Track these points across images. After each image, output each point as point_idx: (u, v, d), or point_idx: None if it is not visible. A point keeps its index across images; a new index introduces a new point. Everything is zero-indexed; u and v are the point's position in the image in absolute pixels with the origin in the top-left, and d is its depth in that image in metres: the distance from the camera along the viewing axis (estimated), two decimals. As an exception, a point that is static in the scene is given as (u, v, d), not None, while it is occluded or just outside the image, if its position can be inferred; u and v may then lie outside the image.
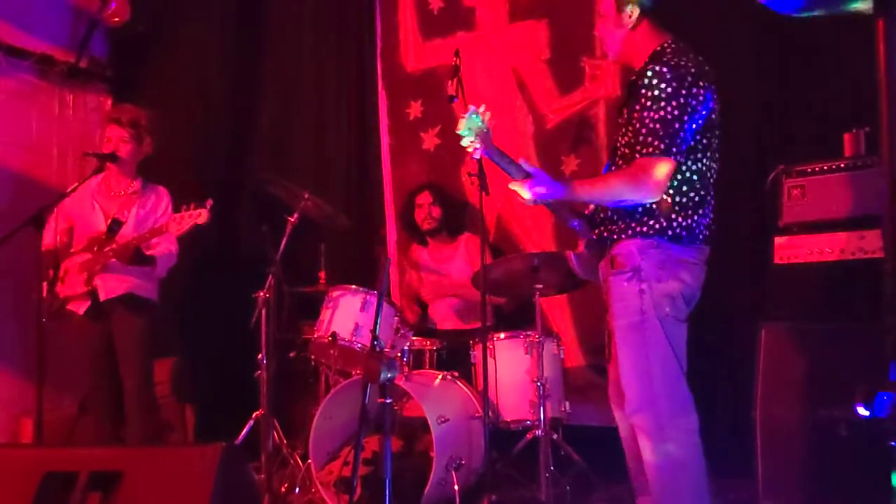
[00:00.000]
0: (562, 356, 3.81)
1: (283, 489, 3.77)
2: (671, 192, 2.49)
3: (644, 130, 2.44)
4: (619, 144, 2.63)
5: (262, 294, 3.80)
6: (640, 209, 2.52)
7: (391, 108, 5.03)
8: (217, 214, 3.61)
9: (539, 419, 3.48)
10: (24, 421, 4.56)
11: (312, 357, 3.99)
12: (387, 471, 2.55)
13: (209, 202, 3.51)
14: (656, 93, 2.43)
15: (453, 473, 3.37)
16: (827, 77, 3.62)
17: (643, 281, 2.49)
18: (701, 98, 2.46)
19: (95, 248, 3.75)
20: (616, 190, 2.50)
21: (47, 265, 3.64)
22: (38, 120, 5.03)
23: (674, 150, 2.43)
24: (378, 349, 2.63)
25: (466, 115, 2.49)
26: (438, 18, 4.89)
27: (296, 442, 4.03)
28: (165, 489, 2.18)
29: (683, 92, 2.43)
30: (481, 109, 2.51)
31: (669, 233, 2.50)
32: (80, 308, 3.78)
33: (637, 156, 2.46)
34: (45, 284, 3.56)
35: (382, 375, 2.47)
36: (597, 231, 2.65)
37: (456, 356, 3.95)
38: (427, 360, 3.93)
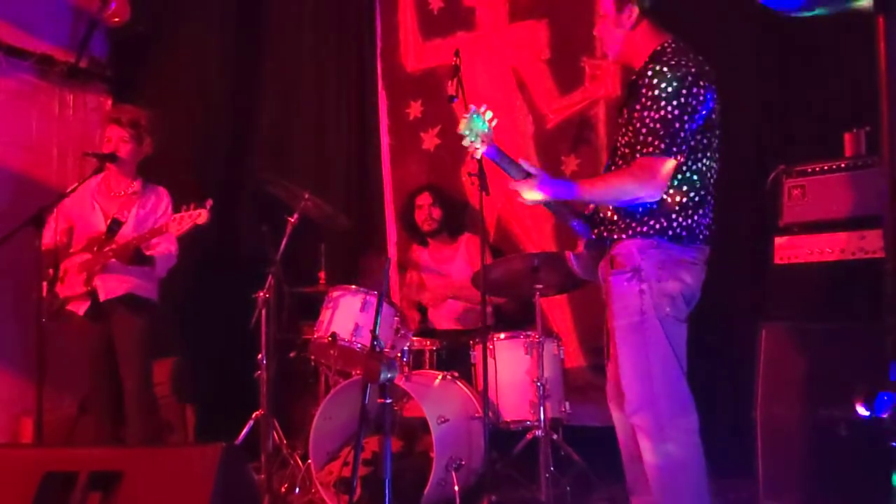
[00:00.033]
0: (562, 356, 3.81)
1: (282, 489, 3.77)
2: (671, 191, 2.49)
3: (644, 130, 2.44)
4: (619, 144, 2.63)
5: (262, 294, 3.79)
6: (640, 209, 2.52)
7: (391, 108, 5.03)
8: (217, 214, 3.61)
9: (539, 419, 3.48)
10: (24, 421, 4.56)
11: (312, 357, 3.99)
12: (387, 471, 2.55)
13: (209, 202, 3.50)
14: (657, 92, 2.43)
15: (453, 474, 3.37)
16: (827, 77, 3.62)
17: (643, 281, 2.49)
18: (701, 98, 2.46)
19: (95, 249, 3.75)
20: (617, 189, 2.50)
21: (47, 265, 3.64)
22: (38, 120, 5.03)
23: (674, 149, 2.43)
24: (378, 349, 2.62)
25: (468, 115, 2.49)
26: (438, 18, 4.89)
27: (296, 442, 4.03)
28: (165, 489, 2.18)
29: (684, 92, 2.43)
30: (482, 109, 2.51)
31: (670, 233, 2.50)
32: (80, 308, 3.78)
33: (637, 155, 2.46)
34: (44, 284, 3.56)
35: (382, 376, 2.47)
36: (596, 231, 2.65)
37: (456, 356, 3.95)
38: (427, 361, 3.93)
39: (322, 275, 4.25)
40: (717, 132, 2.57)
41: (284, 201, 4.02)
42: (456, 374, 3.74)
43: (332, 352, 3.66)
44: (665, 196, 2.48)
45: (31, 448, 3.45)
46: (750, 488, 2.95)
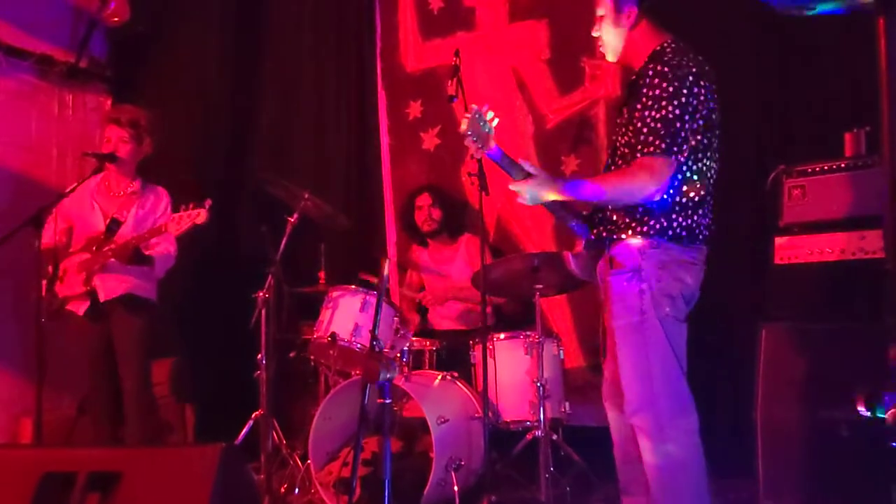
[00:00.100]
0: (562, 357, 3.80)
1: (282, 490, 3.77)
2: (671, 191, 2.48)
3: (645, 130, 2.44)
4: (618, 144, 2.63)
5: (261, 294, 3.79)
6: (640, 209, 2.51)
7: (391, 108, 5.03)
8: (217, 214, 3.61)
9: (539, 420, 3.48)
10: (24, 421, 4.56)
11: (312, 357, 3.98)
12: (386, 471, 2.54)
13: (208, 202, 3.50)
14: (657, 92, 2.43)
15: (453, 474, 3.36)
16: (827, 77, 3.62)
17: (643, 281, 2.48)
18: (702, 98, 2.46)
19: (94, 248, 3.74)
20: (617, 189, 2.50)
21: (46, 264, 3.64)
22: (38, 120, 5.03)
23: (675, 149, 2.43)
24: (377, 349, 2.62)
25: (470, 115, 2.48)
26: (438, 18, 4.89)
27: (295, 442, 4.03)
28: (164, 490, 2.17)
29: (685, 91, 2.43)
30: (484, 109, 2.51)
31: (670, 233, 2.49)
32: (80, 308, 3.77)
33: (638, 155, 2.46)
34: (44, 284, 3.56)
35: (381, 376, 2.46)
36: (595, 231, 2.65)
37: (455, 356, 3.95)
38: (427, 361, 3.93)
39: (322, 275, 4.25)
40: (717, 132, 2.56)
41: (284, 201, 4.02)
42: (455, 375, 3.74)
43: (331, 352, 3.66)
44: (665, 196, 2.48)
45: (29, 448, 3.45)
46: (750, 488, 2.94)
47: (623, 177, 2.51)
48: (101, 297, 3.74)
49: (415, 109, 4.93)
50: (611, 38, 2.65)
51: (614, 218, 2.58)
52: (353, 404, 3.36)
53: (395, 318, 3.63)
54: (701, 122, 2.47)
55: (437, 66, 4.80)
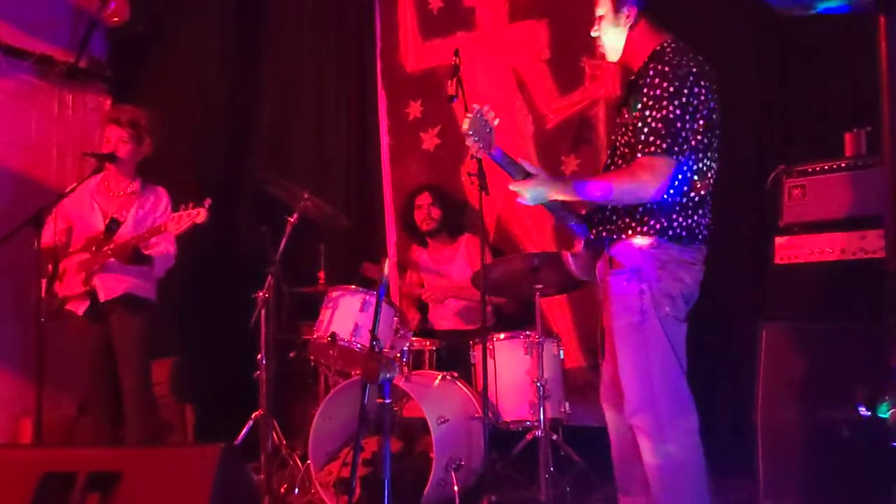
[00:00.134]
0: (562, 357, 3.80)
1: (282, 490, 3.76)
2: (671, 191, 2.48)
3: (646, 129, 2.43)
4: (618, 144, 2.63)
5: (261, 294, 3.79)
6: (640, 209, 2.51)
7: (391, 108, 5.03)
8: (217, 214, 3.61)
9: (539, 420, 3.47)
10: (24, 421, 4.56)
11: (312, 357, 3.98)
12: (386, 471, 2.54)
13: (207, 201, 3.50)
14: (658, 92, 2.43)
15: (453, 474, 3.36)
16: (827, 77, 3.62)
17: (643, 281, 2.48)
18: (702, 98, 2.46)
19: (94, 248, 3.74)
20: (618, 189, 2.49)
21: (46, 264, 3.64)
22: (38, 120, 5.03)
23: (676, 149, 2.42)
24: (377, 349, 2.62)
25: (472, 115, 2.48)
26: (438, 18, 4.88)
27: (295, 442, 4.02)
28: (164, 490, 2.17)
29: (685, 91, 2.43)
30: (486, 109, 2.50)
31: (670, 232, 2.49)
32: (80, 308, 3.77)
33: (639, 155, 2.46)
34: (43, 284, 3.56)
35: (381, 376, 2.46)
36: (595, 231, 2.64)
37: (455, 356, 3.95)
38: (427, 361, 3.93)
39: (321, 275, 4.24)
40: (717, 132, 2.56)
41: (284, 201, 4.02)
42: (455, 375, 3.74)
43: (331, 352, 3.66)
44: (665, 196, 2.48)
45: (29, 448, 3.45)
46: (750, 488, 2.94)
47: (624, 177, 2.50)
48: (101, 297, 3.74)
49: (415, 109, 4.93)
50: (610, 38, 2.65)
51: (614, 218, 2.57)
52: (353, 404, 3.35)
53: (395, 318, 3.63)
54: (701, 122, 2.47)
55: (437, 66, 4.80)
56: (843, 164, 2.91)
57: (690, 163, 2.49)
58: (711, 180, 2.57)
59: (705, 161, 2.53)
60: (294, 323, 4.35)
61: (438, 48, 4.84)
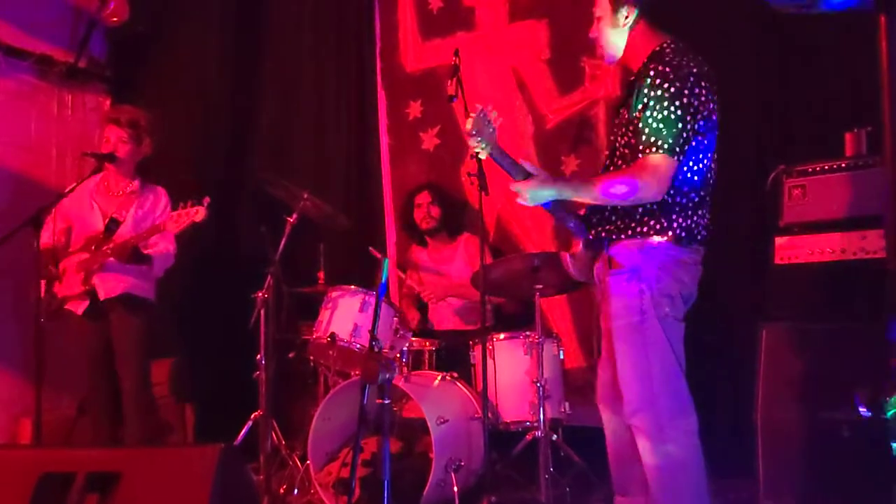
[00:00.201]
0: (561, 357, 3.80)
1: (281, 490, 3.76)
2: (671, 192, 2.48)
3: (647, 130, 2.43)
4: (618, 145, 2.62)
5: (261, 294, 3.79)
6: (639, 209, 2.51)
7: (390, 108, 5.02)
8: (217, 214, 3.61)
9: (539, 420, 3.47)
10: (23, 421, 4.55)
11: (311, 358, 3.98)
12: (385, 472, 2.54)
13: (206, 200, 3.50)
14: (659, 93, 2.42)
15: (452, 475, 3.36)
16: (827, 77, 3.61)
17: (643, 281, 2.48)
18: (703, 98, 2.46)
19: (93, 248, 3.74)
20: (618, 190, 2.49)
21: (45, 265, 3.64)
22: (37, 120, 5.02)
23: (677, 149, 2.42)
24: (376, 350, 2.61)
25: (475, 115, 2.47)
26: (438, 18, 4.88)
27: (295, 443, 4.02)
28: (163, 490, 2.17)
29: (686, 92, 2.43)
30: (488, 109, 2.50)
31: (669, 233, 2.49)
32: (79, 308, 3.77)
33: (640, 155, 2.45)
34: (42, 285, 3.55)
35: (380, 376, 2.46)
36: (594, 231, 2.64)
37: (455, 357, 3.94)
38: (426, 361, 3.92)
39: (321, 275, 4.24)
40: (717, 132, 2.56)
41: (284, 201, 4.02)
42: (455, 375, 3.73)
43: (330, 352, 3.66)
44: (665, 196, 2.48)
45: (27, 449, 3.44)
46: (750, 488, 2.94)
47: (624, 177, 2.50)
48: (101, 296, 3.73)
49: (414, 109, 4.93)
50: (609, 39, 2.65)
51: (613, 218, 2.57)
52: (353, 405, 3.35)
53: (395, 319, 3.63)
54: (701, 123, 2.47)
55: (437, 66, 4.79)
56: (843, 164, 2.91)
57: (691, 163, 2.49)
58: (711, 181, 2.57)
59: (705, 162, 2.53)
60: (293, 323, 4.35)
61: (438, 48, 4.83)
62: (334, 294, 3.73)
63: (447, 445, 3.40)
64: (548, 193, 2.56)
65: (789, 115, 3.77)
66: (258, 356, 3.82)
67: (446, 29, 4.83)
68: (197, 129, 5.28)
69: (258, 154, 5.30)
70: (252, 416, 3.84)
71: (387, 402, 2.63)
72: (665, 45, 2.54)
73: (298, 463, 3.80)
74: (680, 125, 2.42)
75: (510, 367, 3.62)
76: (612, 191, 2.50)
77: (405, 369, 3.64)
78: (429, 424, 3.35)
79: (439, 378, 3.67)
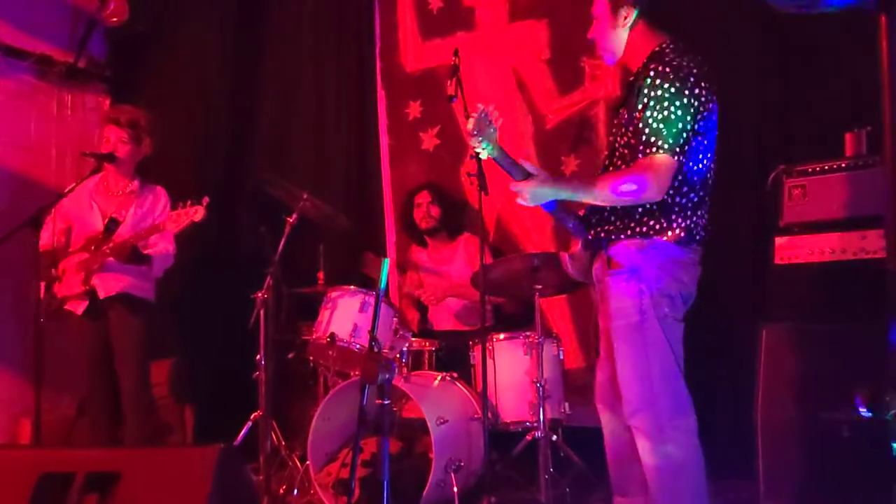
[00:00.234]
0: (561, 357, 3.80)
1: (281, 491, 3.76)
2: (671, 192, 2.48)
3: (647, 130, 2.43)
4: (617, 145, 2.62)
5: (260, 295, 3.78)
6: (639, 209, 2.51)
7: (390, 108, 5.02)
8: (217, 215, 3.61)
9: (538, 420, 3.47)
10: (23, 422, 4.55)
11: (311, 358, 3.98)
12: (384, 472, 2.53)
13: (205, 199, 3.50)
14: (660, 93, 2.42)
15: (452, 475, 3.36)
16: (827, 77, 3.61)
17: (642, 281, 2.48)
18: (703, 98, 2.46)
19: (93, 248, 3.74)
20: (618, 190, 2.48)
21: (45, 266, 3.64)
22: (37, 120, 5.02)
23: (677, 149, 2.42)
24: (376, 350, 2.61)
25: (476, 115, 2.47)
26: (438, 18, 4.88)
27: (294, 443, 4.02)
28: (163, 490, 2.17)
29: (686, 92, 2.42)
30: (490, 109, 2.50)
31: (669, 233, 2.49)
32: (79, 308, 3.77)
33: (640, 156, 2.45)
34: (42, 285, 3.55)
35: (380, 377, 2.46)
36: (593, 232, 2.64)
37: (455, 357, 3.94)
38: (426, 361, 3.92)
39: (321, 275, 4.24)
40: (716, 133, 2.56)
41: (283, 201, 4.02)
42: (455, 375, 3.73)
43: (330, 352, 3.66)
44: (665, 196, 2.47)
45: (27, 449, 3.44)
46: (750, 489, 2.93)
47: (625, 177, 2.49)
48: (101, 294, 3.73)
49: (414, 109, 4.92)
50: (608, 40, 2.65)
51: (612, 218, 2.57)
52: (353, 405, 3.35)
53: (395, 319, 3.63)
54: (701, 123, 2.47)
55: (437, 66, 4.79)
56: (843, 164, 2.90)
57: (691, 163, 2.49)
58: (710, 181, 2.57)
59: (704, 162, 2.53)
60: (293, 323, 4.35)
61: (438, 48, 4.83)
62: (334, 294, 3.73)
63: (447, 446, 3.40)
64: (548, 193, 2.56)
65: (789, 115, 3.77)
66: (258, 356, 3.82)
67: (446, 29, 4.83)
68: (197, 129, 5.28)
69: (258, 154, 5.29)
70: (252, 416, 3.84)
71: (386, 402, 2.62)
72: (664, 45, 2.54)
73: (298, 463, 3.80)
74: (680, 125, 2.42)
75: (510, 367, 3.62)
76: (612, 191, 2.50)
77: (405, 369, 3.64)
78: (428, 425, 3.35)
79: (439, 378, 3.67)
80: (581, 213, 2.70)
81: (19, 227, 3.33)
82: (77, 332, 3.82)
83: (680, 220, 2.49)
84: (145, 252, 3.73)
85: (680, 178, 2.48)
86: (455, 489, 3.33)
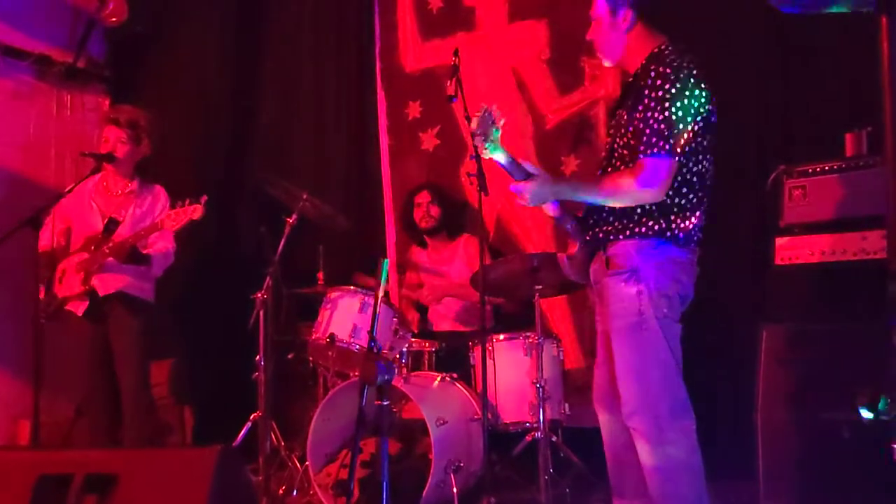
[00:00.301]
0: (561, 358, 3.79)
1: (280, 491, 3.76)
2: (670, 193, 2.48)
3: (648, 131, 2.42)
4: (616, 146, 2.61)
5: (260, 295, 3.78)
6: (638, 210, 2.50)
7: (390, 108, 5.02)
8: (216, 215, 3.60)
9: (538, 421, 3.46)
10: (22, 423, 4.55)
11: (311, 358, 3.97)
12: (384, 473, 2.53)
13: (204, 197, 3.50)
14: (661, 93, 2.42)
15: (452, 476, 3.35)
16: (827, 77, 3.61)
17: (641, 281, 2.47)
18: (703, 99, 2.46)
19: (92, 248, 3.74)
20: (619, 190, 2.48)
21: (44, 266, 3.63)
22: (36, 120, 5.02)
23: (678, 150, 2.42)
24: (375, 351, 2.61)
25: (480, 114, 2.46)
26: (438, 18, 4.87)
27: (294, 444, 4.01)
28: (161, 492, 2.16)
29: (687, 93, 2.42)
30: (493, 108, 2.49)
31: (668, 234, 2.48)
32: (79, 309, 3.76)
33: (640, 156, 2.45)
34: (41, 287, 3.55)
35: (379, 377, 2.45)
36: (591, 232, 2.63)
37: (455, 357, 3.93)
38: (426, 362, 3.92)
39: (320, 276, 4.23)
40: (715, 134, 2.56)
41: (283, 202, 4.01)
42: (455, 376, 3.72)
43: (330, 353, 3.65)
44: (665, 197, 2.47)
45: (25, 450, 3.43)
46: (750, 490, 2.93)
47: (625, 178, 2.49)
48: (101, 292, 3.72)
49: (414, 110, 4.92)
50: (607, 41, 2.64)
51: (611, 219, 2.56)
52: (352, 406, 3.33)
53: (394, 319, 3.62)
54: (701, 124, 2.47)
55: (437, 66, 4.78)
56: (843, 165, 2.90)
57: (690, 164, 2.49)
58: (709, 182, 2.57)
59: (704, 163, 2.52)
60: (293, 324, 4.35)
61: (438, 48, 4.82)
62: (333, 295, 3.73)
63: (446, 446, 3.40)
64: (548, 194, 2.55)
65: (789, 116, 3.77)
66: (257, 357, 3.81)
67: (446, 29, 4.82)
68: (197, 129, 5.28)
69: (258, 154, 5.29)
70: (251, 417, 3.84)
71: (386, 403, 2.62)
72: (663, 46, 2.54)
73: (297, 464, 3.80)
74: (681, 126, 2.41)
75: (510, 368, 3.62)
76: (613, 192, 2.50)
77: (404, 370, 3.64)
78: (428, 425, 3.34)
79: (439, 379, 3.66)
80: (579, 213, 2.70)
81: (18, 228, 3.33)
82: (77, 333, 3.82)
83: (679, 221, 2.49)
84: (145, 252, 3.73)
85: (679, 178, 2.48)
86: (455, 490, 3.33)
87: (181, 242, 3.84)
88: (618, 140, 2.60)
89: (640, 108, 2.46)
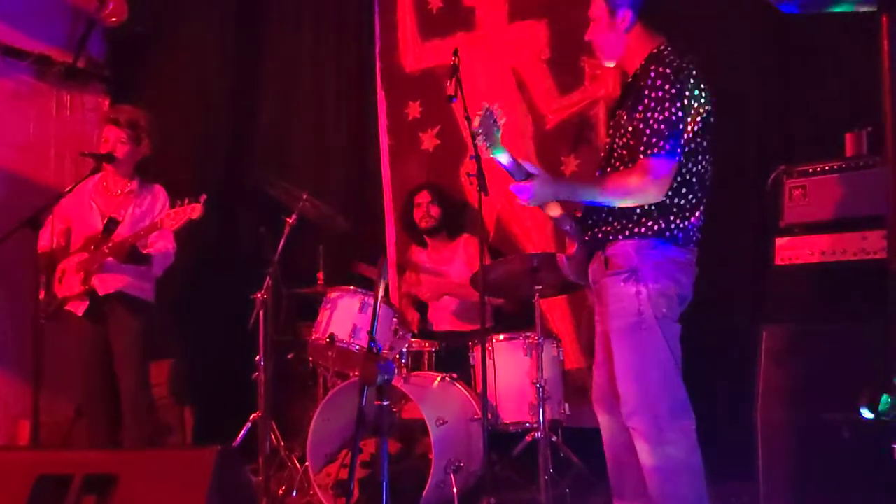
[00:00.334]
0: (561, 358, 3.79)
1: (280, 492, 3.76)
2: (670, 193, 2.47)
3: (648, 131, 2.42)
4: (615, 146, 2.61)
5: (260, 295, 3.78)
6: (637, 210, 2.50)
7: (390, 108, 5.01)
8: (216, 215, 3.60)
9: (538, 421, 3.46)
10: (22, 423, 4.54)
11: (310, 359, 3.97)
12: (383, 473, 2.53)
13: (203, 196, 3.50)
14: (661, 94, 2.41)
15: (452, 476, 3.35)
16: (827, 77, 3.61)
17: (640, 282, 2.47)
18: (702, 100, 2.46)
19: (92, 248, 3.74)
20: (619, 191, 2.48)
21: (44, 268, 3.63)
22: (36, 120, 5.02)
23: (678, 150, 2.42)
24: (375, 351, 2.60)
25: (481, 113, 2.46)
26: (438, 18, 4.87)
27: (293, 444, 4.01)
28: (161, 493, 2.16)
29: (686, 93, 2.42)
30: (495, 107, 2.49)
31: (667, 234, 2.48)
32: (79, 309, 3.76)
33: (640, 156, 2.44)
34: (41, 287, 3.54)
35: (379, 377, 2.45)
36: (590, 233, 2.63)
37: (455, 358, 3.93)
38: (426, 362, 3.92)
39: (320, 276, 4.24)
40: (714, 134, 2.55)
41: (283, 202, 4.01)
42: (455, 376, 3.72)
43: (330, 353, 3.65)
44: (664, 197, 2.47)
45: (24, 451, 3.43)
46: (751, 491, 2.93)
47: (626, 178, 2.49)
48: (101, 292, 3.72)
49: (414, 110, 4.92)
50: (606, 42, 2.64)
51: (610, 219, 2.56)
52: (352, 406, 3.32)
53: (394, 319, 3.62)
54: (700, 124, 2.47)
55: (437, 66, 4.78)
56: (843, 165, 2.90)
57: (690, 164, 2.49)
58: (708, 182, 2.56)
59: (703, 163, 2.52)
60: (293, 324, 4.35)
61: (438, 48, 4.82)
62: (333, 295, 3.73)
63: (446, 446, 3.40)
64: (548, 194, 2.55)
65: (789, 115, 3.77)
66: (257, 357, 3.81)
67: (446, 29, 4.82)
68: (197, 129, 5.28)
69: (258, 154, 5.29)
70: (251, 417, 3.84)
71: (386, 403, 2.61)
72: (662, 46, 2.54)
73: (297, 464, 3.80)
74: (681, 126, 2.41)
75: (510, 368, 3.62)
76: (613, 192, 2.49)
77: (404, 370, 3.64)
78: (428, 425, 3.34)
79: (439, 379, 3.66)
80: (578, 214, 2.70)
81: (18, 228, 3.33)
82: (77, 333, 3.81)
83: (678, 221, 2.49)
84: (145, 252, 3.73)
85: (679, 179, 2.48)
86: (455, 490, 3.33)
87: (181, 242, 3.84)
88: (617, 140, 2.59)
89: (640, 108, 2.45)
